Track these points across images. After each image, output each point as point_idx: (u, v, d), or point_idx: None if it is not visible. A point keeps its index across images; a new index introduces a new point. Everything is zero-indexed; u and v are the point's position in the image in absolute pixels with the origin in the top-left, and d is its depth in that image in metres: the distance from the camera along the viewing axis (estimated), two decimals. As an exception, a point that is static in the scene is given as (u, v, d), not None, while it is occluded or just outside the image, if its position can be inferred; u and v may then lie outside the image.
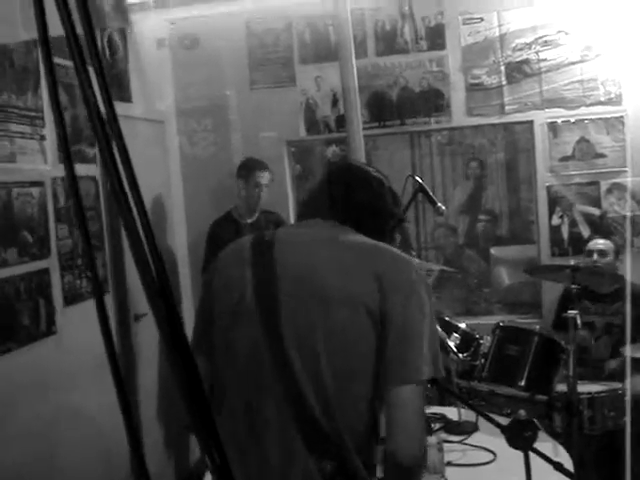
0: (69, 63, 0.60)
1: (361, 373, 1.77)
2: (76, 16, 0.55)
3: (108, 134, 0.53)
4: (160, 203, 4.87)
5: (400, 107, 5.16)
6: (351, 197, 1.97)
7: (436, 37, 5.08)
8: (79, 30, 0.54)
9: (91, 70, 0.61)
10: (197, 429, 0.60)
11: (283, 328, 1.77)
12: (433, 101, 5.11)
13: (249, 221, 4.66)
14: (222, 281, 1.93)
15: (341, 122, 4.97)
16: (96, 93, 0.52)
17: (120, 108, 4.35)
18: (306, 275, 1.81)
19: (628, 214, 4.88)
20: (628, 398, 3.74)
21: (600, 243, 4.50)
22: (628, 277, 4.26)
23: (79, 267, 3.78)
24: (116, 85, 4.40)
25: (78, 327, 3.62)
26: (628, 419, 3.63)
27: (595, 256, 4.42)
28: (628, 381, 3.92)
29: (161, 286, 0.55)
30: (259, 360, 1.78)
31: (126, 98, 4.52)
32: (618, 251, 4.51)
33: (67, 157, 0.57)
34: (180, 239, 5.22)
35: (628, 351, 3.76)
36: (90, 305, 3.39)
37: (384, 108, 5.17)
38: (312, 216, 1.99)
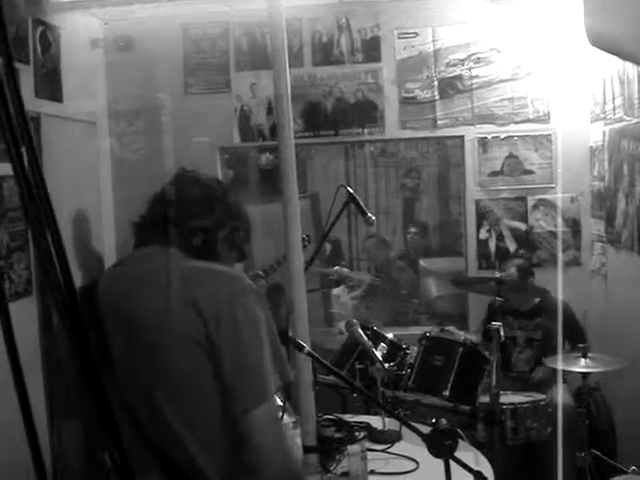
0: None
1: (203, 406, 1.72)
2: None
3: (16, 136, 0.52)
4: (83, 216, 4.71)
5: (334, 117, 5.19)
6: (174, 213, 1.86)
7: (372, 50, 5.13)
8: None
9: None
10: (99, 428, 0.59)
11: (117, 373, 1.71)
12: (367, 112, 5.16)
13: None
14: None
15: (275, 130, 4.96)
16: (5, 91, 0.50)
17: (50, 107, 4.27)
18: (129, 319, 1.75)
19: (560, 230, 5.01)
20: (559, 410, 3.83)
21: (513, 264, 4.56)
22: (559, 294, 4.35)
23: None
24: (47, 84, 4.31)
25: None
26: (559, 428, 3.72)
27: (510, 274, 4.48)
28: (560, 393, 4.02)
29: (68, 294, 0.55)
30: None
31: (57, 97, 4.42)
32: (531, 267, 4.60)
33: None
34: (109, 242, 5.12)
35: (559, 364, 3.84)
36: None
37: (319, 118, 5.19)
38: (141, 242, 1.90)
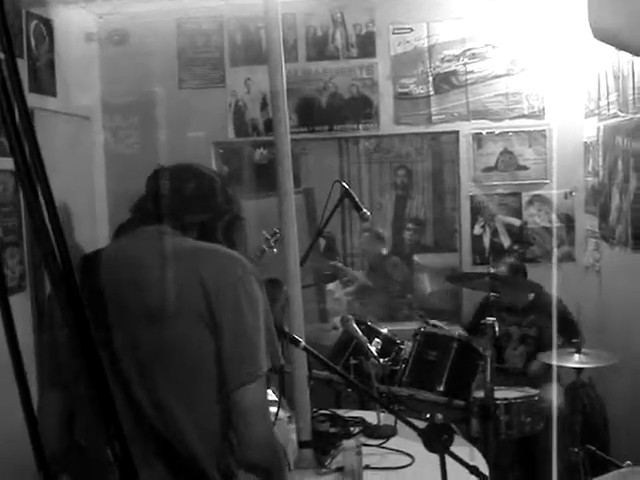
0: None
1: (204, 380, 1.76)
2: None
3: (18, 127, 0.52)
4: (65, 210, 4.67)
5: (329, 113, 5.19)
6: (178, 197, 1.92)
7: (366, 45, 5.13)
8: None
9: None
10: (100, 418, 0.59)
11: (118, 348, 1.74)
12: (362, 108, 5.16)
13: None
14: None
15: (270, 125, 4.95)
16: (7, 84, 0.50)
17: (44, 102, 4.26)
18: (133, 294, 1.78)
19: (554, 225, 5.02)
20: (554, 406, 3.84)
21: (505, 263, 4.56)
22: (554, 289, 4.35)
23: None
24: (41, 78, 4.29)
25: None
26: (554, 422, 3.73)
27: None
28: (554, 389, 4.03)
29: (65, 271, 0.54)
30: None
31: (50, 91, 4.40)
32: (523, 265, 4.61)
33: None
34: (102, 237, 5.10)
35: (554, 359, 3.84)
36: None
37: (313, 113, 5.19)
38: (140, 222, 1.93)
